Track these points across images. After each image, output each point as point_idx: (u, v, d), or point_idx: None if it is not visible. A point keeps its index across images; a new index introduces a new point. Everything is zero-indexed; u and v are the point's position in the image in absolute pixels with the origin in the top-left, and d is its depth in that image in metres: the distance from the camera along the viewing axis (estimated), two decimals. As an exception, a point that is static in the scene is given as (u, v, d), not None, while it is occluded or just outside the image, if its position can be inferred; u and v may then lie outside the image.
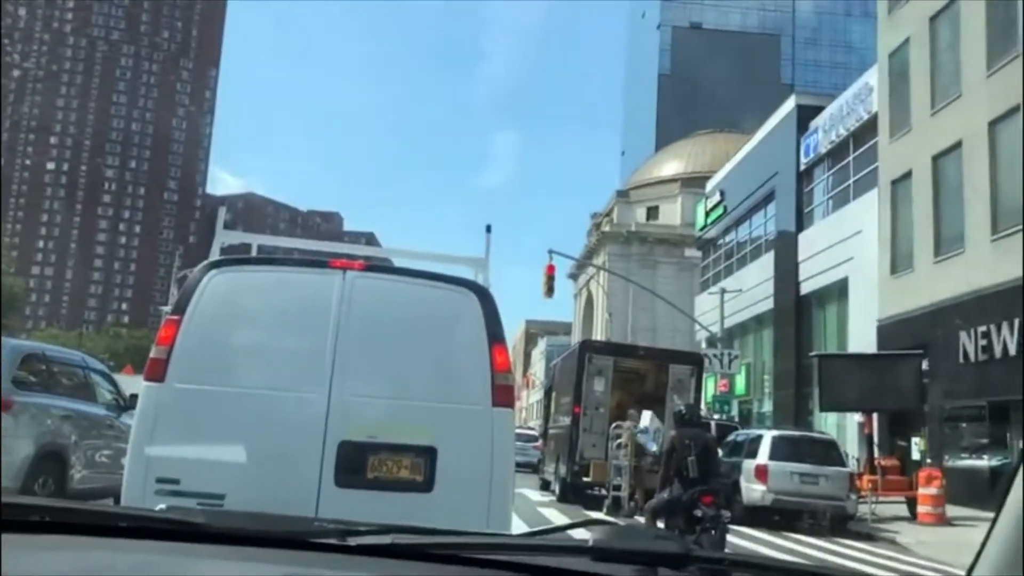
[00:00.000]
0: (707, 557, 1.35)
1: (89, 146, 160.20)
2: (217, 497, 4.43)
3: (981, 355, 19.68)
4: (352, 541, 1.28)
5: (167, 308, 41.77)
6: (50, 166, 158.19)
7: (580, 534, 1.39)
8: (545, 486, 21.26)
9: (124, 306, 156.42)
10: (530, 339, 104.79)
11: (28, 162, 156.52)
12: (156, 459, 4.57)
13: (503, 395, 4.98)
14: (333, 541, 1.29)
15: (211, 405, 4.69)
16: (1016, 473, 1.05)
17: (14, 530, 1.29)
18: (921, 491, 16.79)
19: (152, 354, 4.80)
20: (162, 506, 1.43)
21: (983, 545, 1.07)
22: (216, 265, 5.05)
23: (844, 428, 26.52)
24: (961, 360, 20.42)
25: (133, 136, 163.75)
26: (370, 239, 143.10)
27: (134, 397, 10.45)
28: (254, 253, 6.39)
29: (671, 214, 63.64)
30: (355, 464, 4.67)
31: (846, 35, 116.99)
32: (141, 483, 4.54)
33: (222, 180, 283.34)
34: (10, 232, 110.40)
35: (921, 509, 16.68)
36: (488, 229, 6.44)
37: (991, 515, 1.10)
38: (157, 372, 4.70)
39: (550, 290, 29.38)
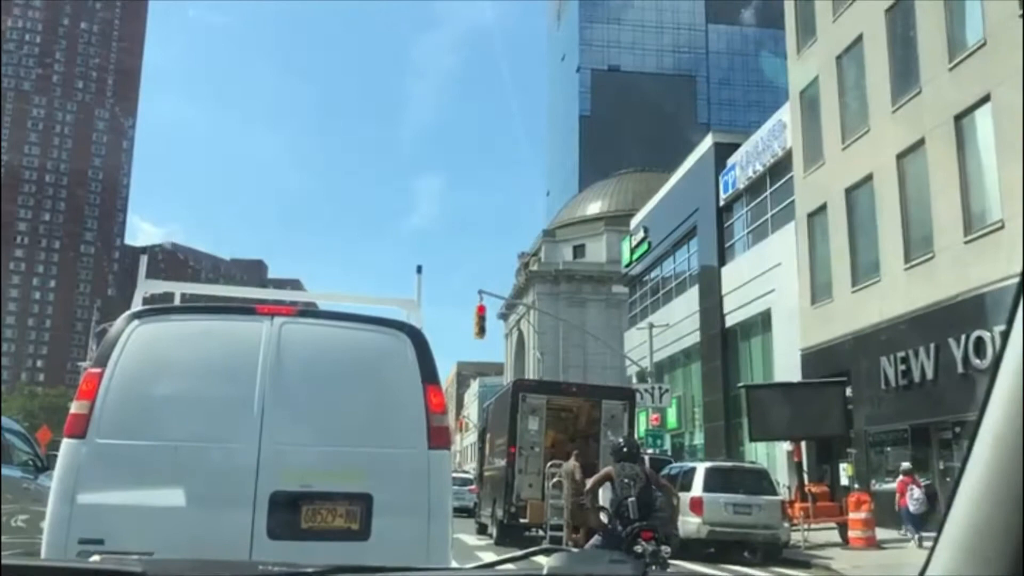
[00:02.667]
0: (661, 581, 1.34)
1: (1, 197, 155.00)
2: (146, 555, 4.25)
3: (901, 380, 20.28)
4: None
5: (86, 363, 40.43)
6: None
7: (534, 564, 1.37)
8: (482, 530, 21.03)
9: (39, 363, 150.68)
10: (462, 381, 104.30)
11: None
12: (78, 518, 4.36)
13: (439, 437, 4.92)
14: None
15: (136, 460, 4.52)
16: (961, 476, 1.08)
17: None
18: (851, 516, 17.12)
19: (73, 409, 4.62)
20: (96, 557, 1.35)
21: (932, 550, 1.08)
22: (139, 315, 4.90)
23: (774, 457, 26.91)
24: (883, 386, 21.01)
25: (47, 188, 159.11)
26: (295, 285, 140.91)
27: (51, 458, 10.05)
28: (177, 302, 6.23)
29: (597, 252, 64.47)
30: (288, 515, 4.54)
31: (758, 74, 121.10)
32: (62, 544, 4.33)
33: (142, 229, 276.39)
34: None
35: (852, 534, 16.99)
36: (419, 270, 6.41)
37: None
38: (78, 428, 4.52)
39: (481, 330, 29.36)
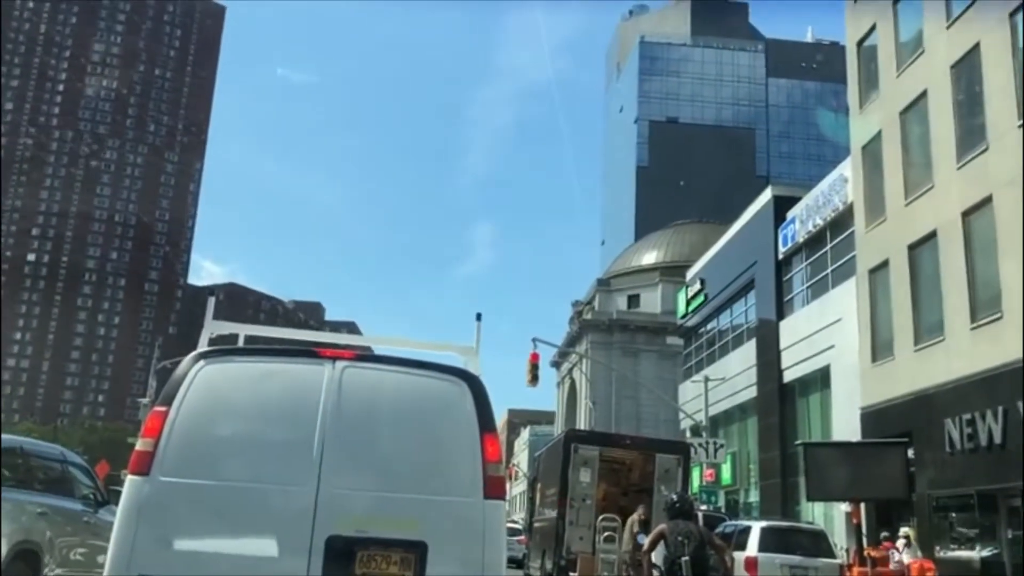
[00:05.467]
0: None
1: (71, 236, 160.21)
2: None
3: (967, 443, 19.63)
4: None
5: (145, 400, 41.22)
6: (30, 257, 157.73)
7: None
8: (531, 581, 20.77)
9: (100, 398, 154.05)
10: (512, 428, 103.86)
11: (8, 253, 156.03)
12: (139, 555, 4.43)
13: (495, 487, 4.91)
14: None
15: (197, 499, 4.59)
16: None
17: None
18: (914, 583, 16.51)
19: (138, 446, 4.71)
20: None
21: None
22: (204, 356, 5.00)
23: (832, 518, 26.19)
24: (947, 448, 20.35)
25: (116, 227, 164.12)
26: (351, 328, 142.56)
27: (112, 492, 10.22)
28: (241, 343, 6.34)
29: (652, 302, 64.10)
30: (343, 560, 4.55)
31: (818, 127, 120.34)
32: (123, 580, 4.39)
33: (205, 269, 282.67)
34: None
35: (915, 601, 16.37)
36: (478, 317, 6.44)
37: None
38: (143, 465, 4.61)
39: (534, 378, 29.26)
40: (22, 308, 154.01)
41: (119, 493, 5.27)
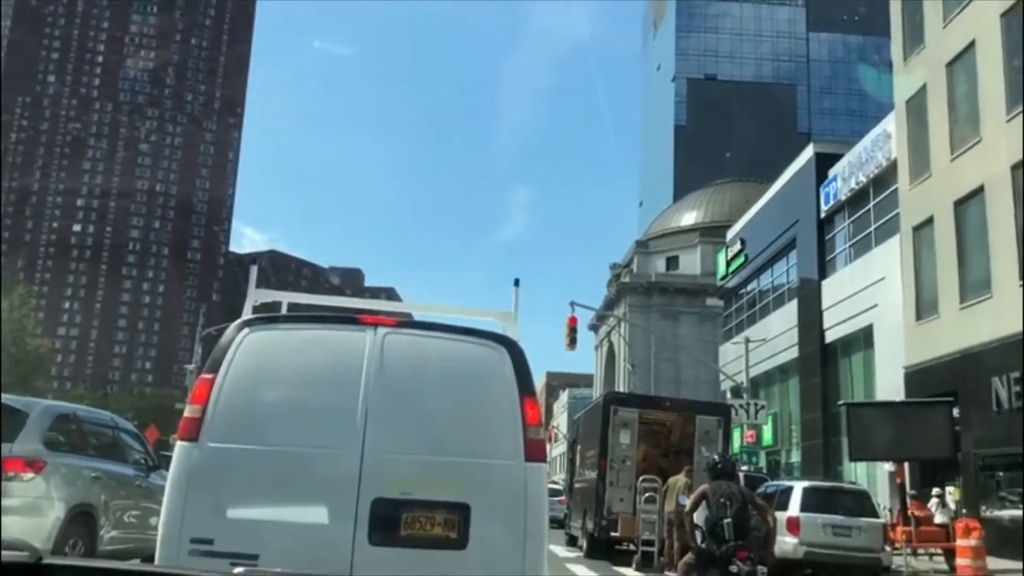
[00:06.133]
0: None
1: (115, 207, 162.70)
2: (251, 557, 4.40)
3: (1015, 401, 19.36)
4: None
5: (191, 366, 42.00)
6: (76, 228, 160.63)
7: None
8: (572, 541, 20.98)
9: (148, 365, 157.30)
10: (551, 391, 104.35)
11: (55, 224, 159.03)
12: (190, 519, 4.55)
13: (535, 449, 4.96)
14: None
15: (245, 464, 4.69)
16: None
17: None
18: (960, 543, 16.36)
19: (186, 412, 4.82)
20: (239, 570, 1.42)
21: None
22: (249, 323, 5.09)
23: (874, 478, 26.05)
24: (994, 407, 20.09)
25: (158, 197, 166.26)
26: (391, 294, 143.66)
27: (162, 457, 10.49)
28: (284, 311, 6.43)
29: (691, 264, 63.63)
30: (389, 521, 4.64)
31: (861, 82, 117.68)
32: (175, 543, 4.53)
33: (246, 236, 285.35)
34: (37, 294, 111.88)
35: (960, 562, 16.22)
36: (516, 283, 6.45)
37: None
38: (191, 431, 4.72)
39: (573, 342, 29.29)
40: (70, 279, 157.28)
41: (169, 458, 5.42)
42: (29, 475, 7.45)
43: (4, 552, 1.31)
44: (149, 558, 6.63)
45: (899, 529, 17.28)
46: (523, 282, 6.47)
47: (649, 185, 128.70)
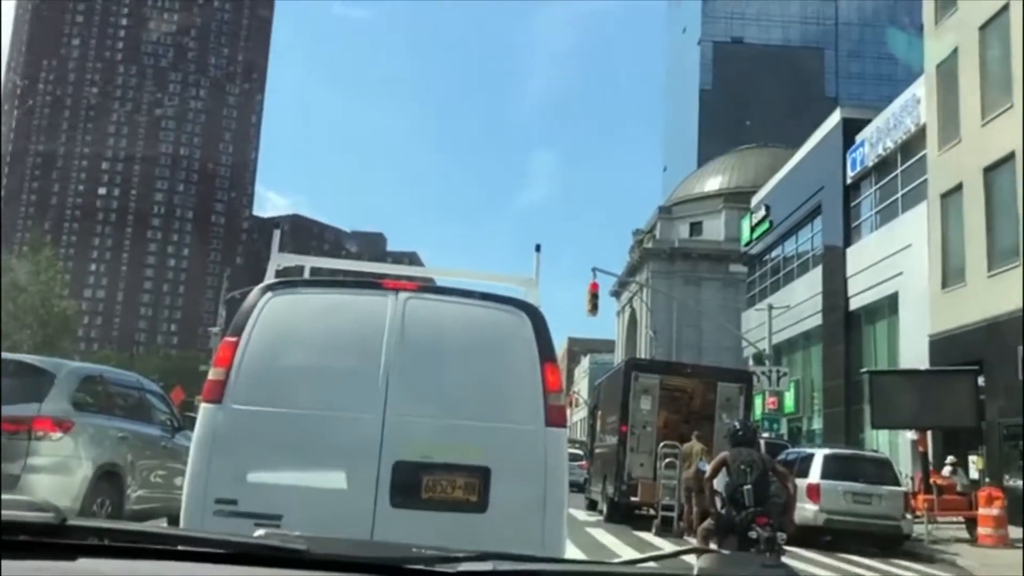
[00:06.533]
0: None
1: (139, 171, 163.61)
2: (274, 518, 4.45)
3: (1040, 371, 19.15)
4: (449, 568, 1.27)
5: (215, 329, 42.40)
6: (101, 191, 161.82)
7: (682, 563, 1.37)
8: (592, 506, 21.12)
9: (173, 327, 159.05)
10: (572, 357, 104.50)
11: (81, 187, 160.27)
12: (215, 480, 4.62)
13: (555, 415, 4.97)
14: (432, 568, 1.27)
15: (268, 426, 4.74)
16: None
17: (98, 554, 1.30)
18: (982, 511, 16.30)
19: (210, 375, 4.87)
20: (260, 532, 1.43)
21: None
22: (272, 288, 5.11)
23: (896, 446, 25.97)
24: (1020, 376, 19.88)
25: (181, 160, 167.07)
26: (412, 258, 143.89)
27: (187, 418, 10.63)
28: (306, 275, 6.46)
29: (715, 230, 63.12)
30: (410, 484, 4.68)
31: (890, 46, 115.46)
32: (200, 504, 4.59)
33: (268, 200, 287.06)
34: (63, 256, 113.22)
35: (982, 531, 16.16)
36: (537, 248, 6.43)
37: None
38: (215, 393, 4.76)
39: (594, 308, 29.26)
40: (95, 242, 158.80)
41: (193, 419, 5.49)
42: (57, 435, 7.57)
43: (29, 513, 1.32)
44: (175, 517, 6.75)
45: (921, 497, 17.25)
46: (545, 247, 6.45)
47: (673, 150, 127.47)
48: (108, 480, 8.15)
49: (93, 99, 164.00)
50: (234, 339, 4.85)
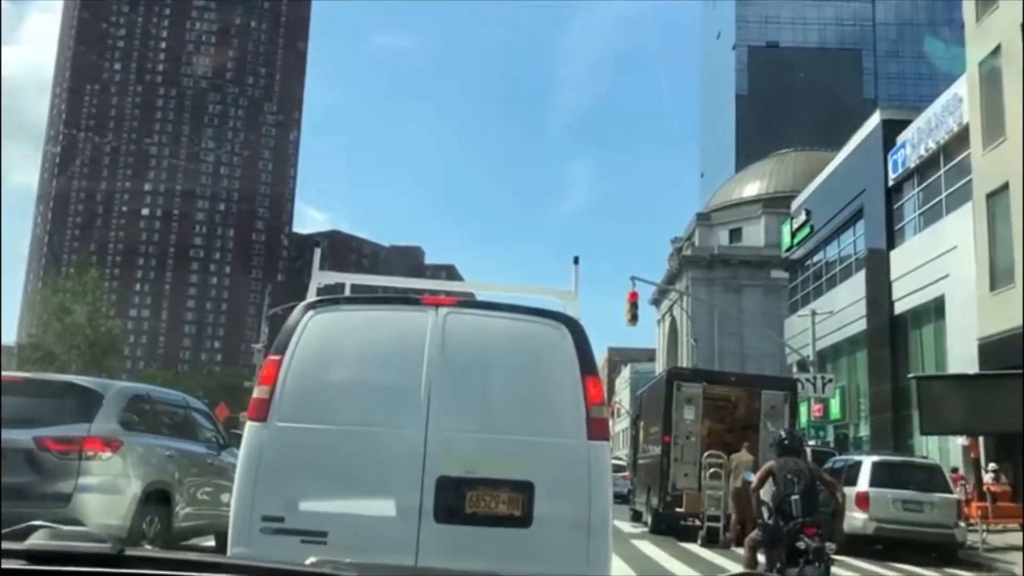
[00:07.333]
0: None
1: (181, 192, 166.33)
2: (320, 535, 4.49)
3: (1094, 373, 18.65)
4: None
5: (258, 346, 42.87)
6: (144, 211, 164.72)
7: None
8: (636, 517, 20.97)
9: (216, 344, 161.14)
10: (613, 367, 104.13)
11: (124, 208, 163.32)
12: (261, 498, 4.66)
13: (598, 428, 4.95)
14: None
15: (312, 443, 4.78)
16: None
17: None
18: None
19: (255, 394, 4.92)
20: (312, 559, 1.43)
21: None
22: (314, 306, 5.16)
23: (947, 452, 25.46)
24: (1073, 378, 19.39)
25: (222, 179, 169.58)
26: (450, 271, 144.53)
27: (232, 435, 10.74)
28: (347, 292, 6.51)
29: (754, 235, 62.55)
30: (453, 499, 4.69)
31: (929, 45, 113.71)
32: (247, 521, 4.64)
33: (308, 216, 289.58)
34: (108, 276, 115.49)
35: (1038, 538, 15.81)
36: (576, 261, 6.42)
37: None
38: (261, 411, 4.81)
39: (634, 317, 29.10)
40: (140, 262, 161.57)
41: (239, 436, 5.55)
42: (107, 454, 7.69)
43: (87, 544, 1.33)
44: (222, 535, 6.81)
45: (975, 505, 16.89)
46: (582, 256, 6.44)
47: (710, 156, 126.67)
48: (157, 498, 8.25)
49: (136, 121, 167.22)
50: (278, 357, 4.91)
